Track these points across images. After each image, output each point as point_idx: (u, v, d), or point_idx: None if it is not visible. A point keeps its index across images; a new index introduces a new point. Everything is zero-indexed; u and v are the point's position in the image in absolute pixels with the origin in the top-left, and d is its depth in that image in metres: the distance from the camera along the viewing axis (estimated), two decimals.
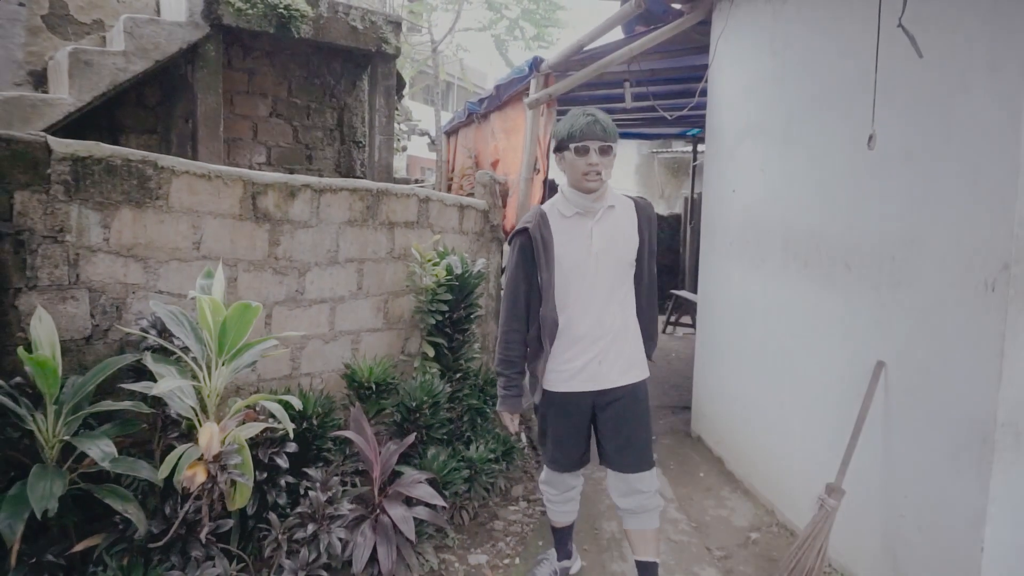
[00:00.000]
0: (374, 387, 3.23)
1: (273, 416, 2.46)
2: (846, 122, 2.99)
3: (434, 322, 3.57)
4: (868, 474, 2.75)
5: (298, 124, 5.75)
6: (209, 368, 2.35)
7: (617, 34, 4.92)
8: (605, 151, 2.20)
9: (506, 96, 5.52)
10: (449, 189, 8.25)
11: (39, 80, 4.62)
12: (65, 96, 3.98)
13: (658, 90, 5.67)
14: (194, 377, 2.36)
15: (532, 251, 2.30)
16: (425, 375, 3.52)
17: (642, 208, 2.40)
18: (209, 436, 2.12)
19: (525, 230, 2.32)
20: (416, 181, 10.41)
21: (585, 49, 4.50)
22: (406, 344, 3.82)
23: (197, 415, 2.34)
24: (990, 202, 2.19)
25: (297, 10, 4.71)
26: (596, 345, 2.36)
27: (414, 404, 3.26)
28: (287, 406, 3.00)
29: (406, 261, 3.70)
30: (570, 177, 2.27)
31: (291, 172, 5.68)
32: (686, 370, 5.82)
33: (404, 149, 10.00)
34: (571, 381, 2.40)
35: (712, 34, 4.46)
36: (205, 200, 2.90)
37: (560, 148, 2.27)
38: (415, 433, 3.09)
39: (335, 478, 2.85)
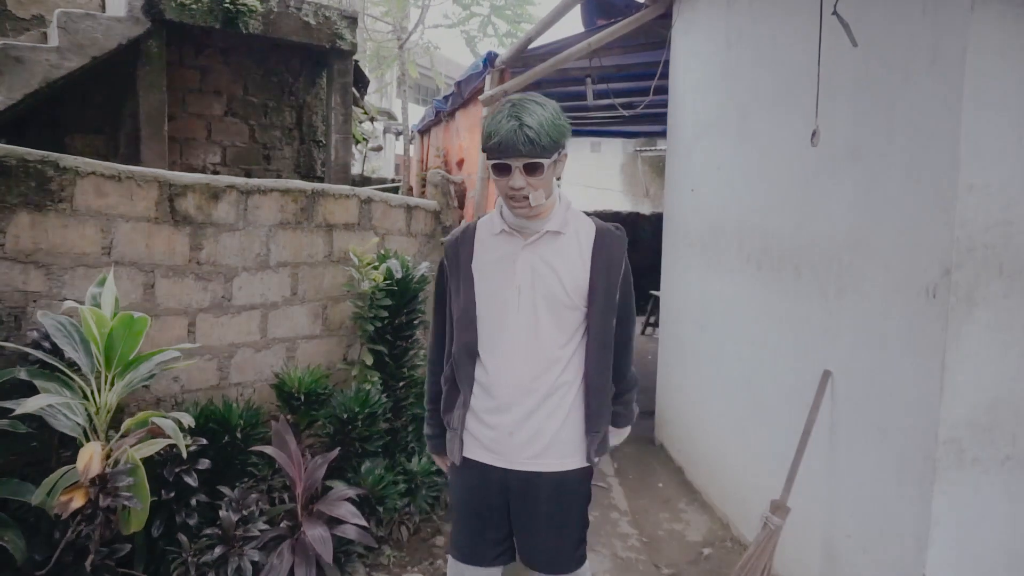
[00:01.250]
0: (303, 398, 3.07)
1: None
2: (794, 118, 2.84)
3: (373, 328, 3.41)
4: (814, 490, 2.61)
5: (255, 123, 5.58)
6: (99, 383, 2.19)
7: (578, 28, 4.77)
8: (531, 170, 1.61)
9: (468, 93, 5.37)
10: (423, 188, 8.08)
11: None
12: None
13: (621, 87, 5.51)
14: (85, 394, 2.19)
15: (445, 273, 1.92)
16: (364, 384, 3.37)
17: (604, 238, 1.79)
18: (88, 457, 1.96)
19: (443, 245, 2.00)
20: (394, 181, 10.26)
21: (542, 43, 4.34)
22: (348, 351, 3.66)
23: (87, 433, 2.18)
24: (932, 202, 2.04)
25: (244, 4, 4.54)
26: (510, 411, 1.77)
27: (346, 416, 3.10)
28: (209, 416, 2.86)
29: (346, 265, 3.54)
30: (498, 191, 1.74)
31: (247, 173, 5.52)
32: (650, 370, 5.67)
33: (379, 149, 9.85)
34: (478, 447, 1.84)
35: (673, 27, 4.31)
36: (116, 202, 2.73)
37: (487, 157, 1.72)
38: (340, 447, 2.93)
39: (253, 495, 2.69)
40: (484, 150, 1.67)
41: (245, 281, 3.19)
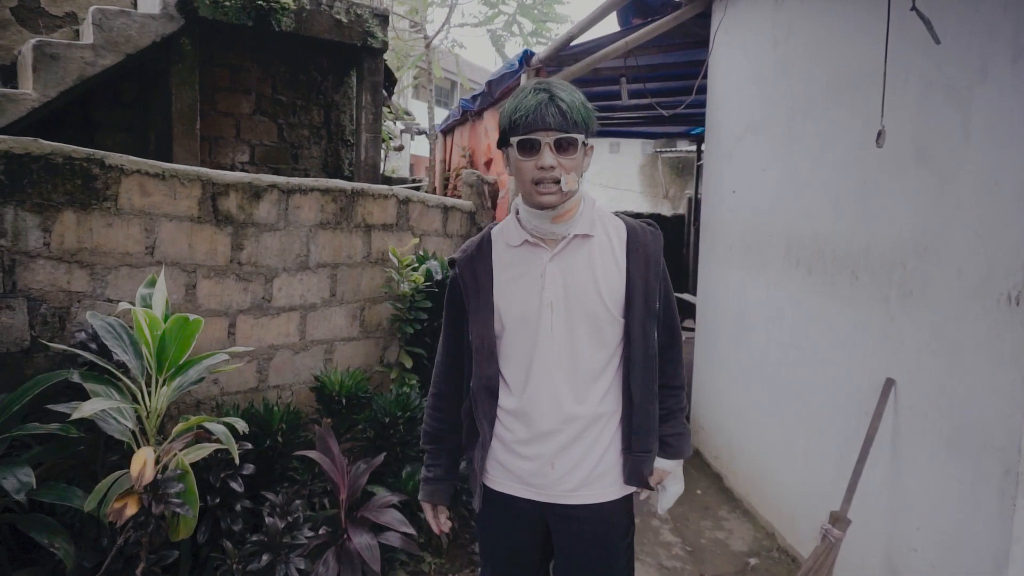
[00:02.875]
0: (344, 401, 3.02)
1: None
2: (854, 117, 2.75)
3: (412, 331, 3.36)
4: (876, 502, 2.52)
5: (283, 122, 5.54)
6: (149, 386, 2.14)
7: (613, 27, 4.69)
8: (565, 147, 1.46)
9: (498, 93, 5.31)
10: (445, 189, 8.03)
11: (8, 76, 4.42)
12: (29, 91, 3.78)
13: (656, 87, 5.44)
14: (134, 396, 2.14)
15: (458, 294, 1.68)
16: (403, 387, 3.31)
17: (638, 237, 1.61)
18: (142, 463, 1.91)
19: (453, 263, 1.70)
20: (414, 181, 10.21)
21: (577, 42, 4.27)
22: (385, 354, 3.61)
23: (136, 438, 2.13)
24: (1013, 205, 1.95)
25: (278, 2, 4.50)
26: (551, 440, 1.58)
27: (387, 420, 3.04)
28: (250, 419, 2.81)
29: (384, 266, 3.49)
30: (519, 186, 1.55)
31: (276, 171, 5.47)
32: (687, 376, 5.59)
33: (400, 149, 9.80)
34: (514, 481, 1.65)
35: (712, 25, 4.23)
36: (159, 201, 2.69)
37: (501, 142, 1.55)
38: (384, 453, 2.87)
39: (297, 501, 2.63)
40: (506, 130, 1.50)
41: (285, 282, 3.14)
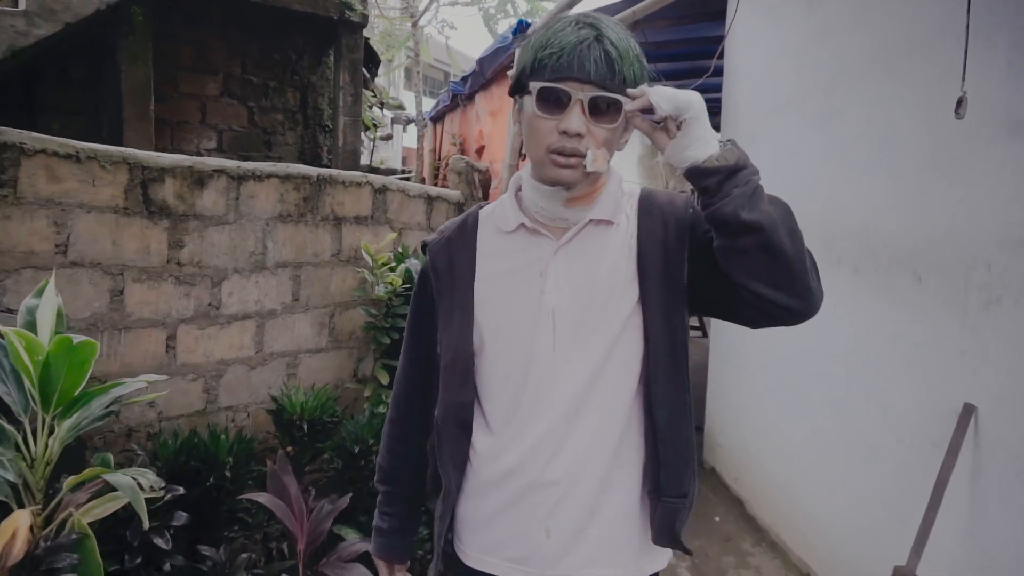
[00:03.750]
0: (305, 428, 2.54)
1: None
2: (916, 85, 2.28)
3: (389, 341, 2.88)
4: (953, 559, 2.06)
5: (254, 105, 5.04)
6: (36, 427, 1.66)
7: None
8: (603, 110, 1.02)
9: (491, 72, 4.82)
10: (436, 180, 7.55)
11: None
12: None
13: (666, 67, 4.95)
14: (16, 441, 1.66)
15: (428, 289, 1.24)
16: (378, 407, 2.84)
17: (653, 197, 1.17)
18: (10, 534, 1.43)
19: (424, 246, 1.27)
20: (404, 172, 9.71)
21: (577, 11, 3.77)
22: (359, 366, 3.13)
23: (19, 493, 1.65)
24: None
25: None
26: (544, 496, 1.12)
27: (357, 448, 2.57)
28: (191, 451, 2.33)
29: (357, 265, 3.01)
30: (529, 150, 1.10)
31: (246, 159, 4.95)
32: (696, 380, 5.13)
33: (388, 138, 9.30)
34: (491, 552, 1.18)
35: None
36: (74, 188, 2.20)
37: (516, 88, 1.11)
38: (350, 489, 2.40)
39: (244, 556, 2.16)
40: (527, 69, 1.05)
41: (237, 285, 2.66)
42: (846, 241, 2.68)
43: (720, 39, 3.87)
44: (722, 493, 3.80)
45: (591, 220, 1.13)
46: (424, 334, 1.27)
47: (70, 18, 3.59)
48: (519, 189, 1.19)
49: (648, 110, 1.01)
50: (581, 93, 1.00)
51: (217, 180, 2.53)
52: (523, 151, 4.20)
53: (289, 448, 2.61)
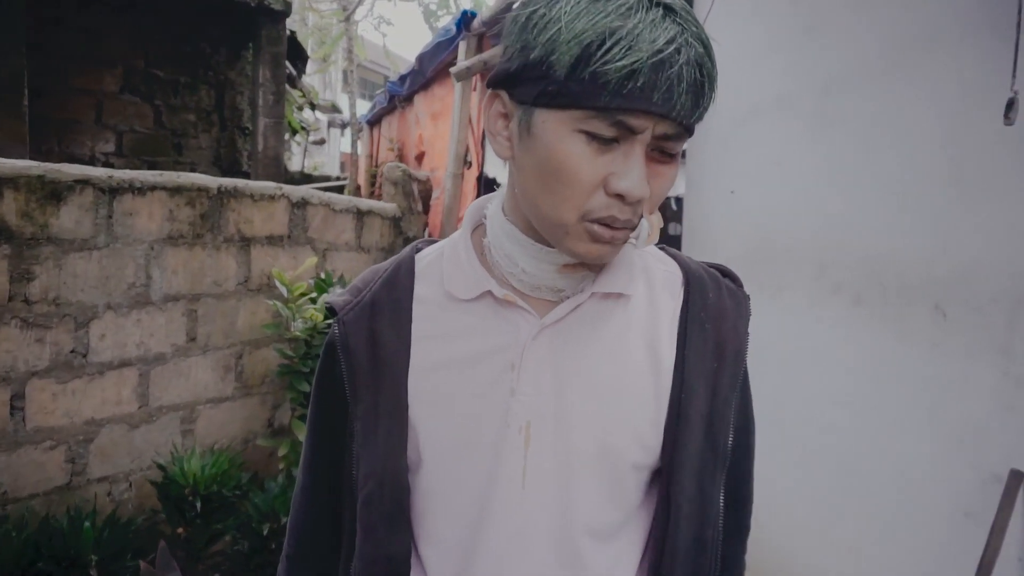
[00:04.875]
0: (199, 506, 2.01)
1: None
2: (936, 84, 1.93)
3: (309, 387, 2.37)
4: None
5: (161, 103, 4.43)
6: None
7: None
8: (671, 154, 0.64)
9: (431, 70, 4.36)
10: (373, 187, 7.01)
11: None
12: None
13: None
14: None
15: (338, 378, 0.77)
16: (296, 470, 2.33)
17: (706, 297, 0.78)
18: None
19: (333, 312, 0.79)
20: (339, 179, 9.14)
21: None
22: (275, 414, 2.61)
23: None
24: None
25: None
26: None
27: (266, 527, 2.06)
28: (37, 545, 1.77)
29: (270, 295, 2.49)
30: (541, 200, 0.66)
31: (152, 165, 4.36)
32: None
33: (321, 142, 8.71)
34: None
35: None
36: None
37: (515, 84, 0.65)
38: None
39: None
40: (555, 71, 0.60)
41: (111, 325, 2.11)
42: (844, 267, 2.33)
43: None
44: None
45: (596, 293, 0.73)
46: (332, 441, 0.81)
47: None
48: (476, 230, 0.78)
49: None
50: (661, 127, 0.61)
51: (80, 194, 1.99)
52: (469, 159, 3.74)
53: (180, 530, 2.08)
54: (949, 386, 1.88)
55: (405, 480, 0.75)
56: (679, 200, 6.18)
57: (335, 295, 0.79)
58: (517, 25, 0.64)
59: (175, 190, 2.21)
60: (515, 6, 0.66)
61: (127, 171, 2.10)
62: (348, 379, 0.76)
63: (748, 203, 2.98)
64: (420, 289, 0.77)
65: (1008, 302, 1.70)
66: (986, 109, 1.74)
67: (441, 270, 0.77)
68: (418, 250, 0.81)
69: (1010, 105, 1.54)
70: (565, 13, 0.59)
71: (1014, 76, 1.54)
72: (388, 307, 0.76)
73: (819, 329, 2.46)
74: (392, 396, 0.74)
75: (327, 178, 8.90)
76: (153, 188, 2.15)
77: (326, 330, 2.36)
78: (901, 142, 2.08)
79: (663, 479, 0.74)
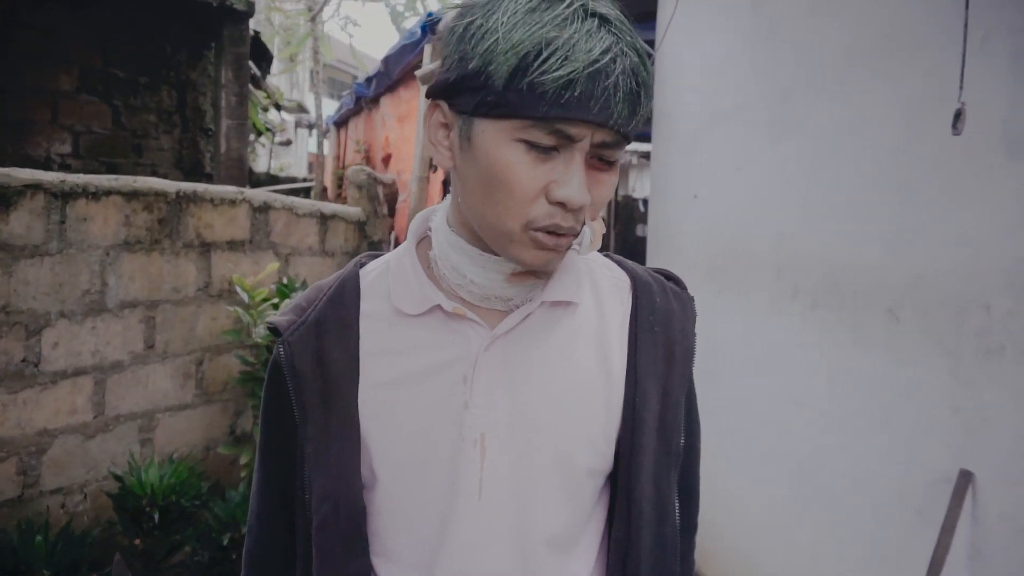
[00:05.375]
0: (157, 517, 1.98)
1: None
2: (891, 92, 1.98)
3: None
4: None
5: (120, 103, 4.34)
6: None
7: None
8: (611, 160, 0.66)
9: (397, 72, 4.34)
10: (339, 189, 6.95)
11: None
12: None
13: None
14: None
15: (286, 400, 0.75)
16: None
17: (654, 303, 0.79)
18: None
19: (276, 331, 0.77)
20: (305, 181, 9.04)
21: None
22: (237, 421, 2.57)
23: None
24: None
25: None
26: None
27: (227, 537, 2.03)
28: None
29: (232, 301, 2.46)
30: (482, 210, 0.67)
31: (110, 167, 4.27)
32: None
33: (288, 143, 8.61)
34: None
35: None
36: None
37: (453, 94, 0.66)
38: None
39: None
40: (493, 81, 0.61)
41: (65, 333, 2.06)
42: (802, 271, 2.37)
43: (650, 43, 3.55)
44: None
45: (543, 303, 0.74)
46: (284, 467, 0.79)
47: None
48: (421, 243, 0.78)
49: None
50: (598, 136, 0.62)
51: (31, 199, 1.94)
52: (434, 163, 3.74)
53: (137, 541, 2.04)
54: (901, 388, 1.93)
55: (361, 501, 0.74)
56: (647, 202, 6.24)
57: (278, 315, 0.79)
58: (455, 36, 0.65)
59: (131, 195, 2.17)
60: (452, 16, 0.67)
61: (81, 175, 2.05)
62: (296, 401, 0.75)
63: (710, 207, 3.03)
64: (367, 305, 0.77)
65: (956, 307, 1.75)
66: (935, 119, 1.79)
67: (388, 285, 0.77)
68: (361, 265, 0.81)
69: (958, 116, 1.58)
70: (502, 24, 0.60)
71: (961, 88, 1.59)
72: (334, 325, 0.75)
73: (778, 332, 2.51)
74: (343, 415, 0.73)
75: (293, 179, 8.80)
76: (108, 193, 2.11)
77: None
78: (856, 150, 2.13)
79: (623, 484, 0.75)
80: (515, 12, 0.60)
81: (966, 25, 1.58)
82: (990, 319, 1.67)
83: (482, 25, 0.61)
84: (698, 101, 3.15)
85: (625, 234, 7.94)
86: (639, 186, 8.02)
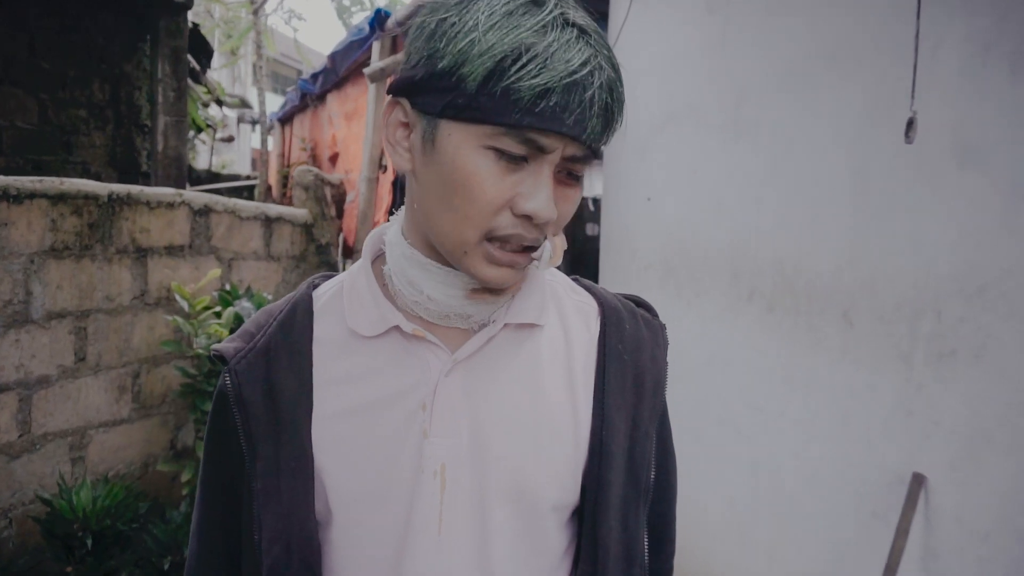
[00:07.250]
0: (90, 542, 1.85)
1: None
2: (844, 99, 2.00)
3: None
4: None
5: (47, 97, 4.09)
6: None
7: None
8: (577, 176, 0.63)
9: (345, 69, 4.22)
10: (284, 189, 6.75)
11: None
12: None
13: None
14: None
15: (232, 432, 0.68)
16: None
17: (623, 330, 0.75)
18: None
19: (222, 359, 0.70)
20: (248, 178, 8.76)
21: None
22: (178, 436, 2.44)
23: None
24: None
25: None
26: None
27: (168, 561, 1.92)
28: None
29: (169, 311, 2.33)
30: (439, 218, 0.62)
31: (37, 165, 4.03)
32: None
33: (230, 140, 8.32)
34: None
35: None
36: None
37: (417, 92, 0.60)
38: None
39: None
40: (464, 82, 0.56)
41: None
42: (758, 275, 2.38)
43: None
44: None
45: (507, 325, 0.69)
46: (229, 505, 0.73)
47: None
48: (376, 260, 0.73)
49: None
50: (570, 149, 0.59)
51: None
52: (384, 162, 3.63)
53: (68, 569, 1.91)
54: (856, 391, 1.95)
55: (315, 541, 0.68)
56: (596, 201, 6.26)
57: (224, 342, 0.72)
58: (424, 32, 0.60)
59: (58, 198, 2.02)
60: (422, 11, 0.61)
61: (1, 177, 1.90)
62: (244, 433, 0.68)
63: (665, 210, 3.02)
64: (320, 329, 0.71)
65: (910, 311, 1.78)
66: (888, 127, 1.81)
67: (342, 306, 0.71)
68: (315, 286, 0.75)
69: (910, 124, 1.59)
70: (479, 24, 0.56)
71: (913, 96, 1.60)
72: (285, 352, 0.69)
73: (734, 335, 2.52)
74: (295, 449, 0.67)
75: (236, 177, 8.53)
76: (32, 196, 1.96)
77: None
78: (809, 154, 2.14)
79: (588, 520, 0.70)
80: (492, 13, 0.56)
81: (917, 34, 1.59)
82: (941, 324, 1.69)
83: (456, 23, 0.57)
84: (652, 103, 3.14)
85: (575, 232, 7.96)
86: (589, 184, 8.06)
